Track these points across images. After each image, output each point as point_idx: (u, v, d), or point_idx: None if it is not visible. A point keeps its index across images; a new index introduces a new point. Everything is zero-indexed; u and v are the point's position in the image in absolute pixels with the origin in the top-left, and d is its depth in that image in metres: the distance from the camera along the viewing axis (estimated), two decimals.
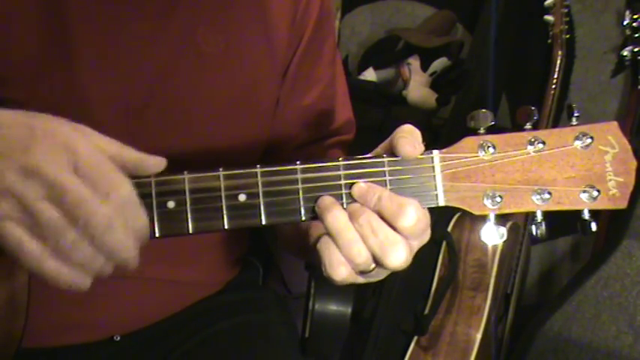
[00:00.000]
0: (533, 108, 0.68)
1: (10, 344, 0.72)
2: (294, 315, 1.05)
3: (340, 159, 0.66)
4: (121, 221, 0.58)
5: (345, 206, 0.65)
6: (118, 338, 0.90)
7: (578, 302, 1.53)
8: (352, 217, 0.63)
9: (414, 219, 0.62)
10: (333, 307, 0.98)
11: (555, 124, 1.80)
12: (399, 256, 0.62)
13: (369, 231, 0.62)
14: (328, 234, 0.64)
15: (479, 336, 1.47)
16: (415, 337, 1.50)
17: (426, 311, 1.49)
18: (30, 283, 0.71)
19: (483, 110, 0.67)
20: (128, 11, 0.78)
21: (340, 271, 0.63)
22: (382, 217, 0.63)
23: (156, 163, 0.63)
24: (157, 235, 0.65)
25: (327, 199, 0.65)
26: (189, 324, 0.93)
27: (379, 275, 0.67)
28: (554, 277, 2.02)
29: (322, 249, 0.64)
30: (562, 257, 2.01)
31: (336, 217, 0.63)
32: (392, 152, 0.66)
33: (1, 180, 0.56)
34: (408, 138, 0.65)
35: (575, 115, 0.68)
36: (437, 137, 1.75)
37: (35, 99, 0.75)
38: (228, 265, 1.01)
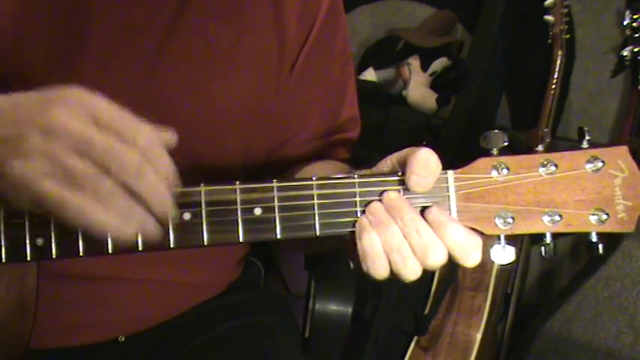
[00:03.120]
0: (545, 130, 0.69)
1: (18, 346, 0.73)
2: (294, 315, 1.05)
3: (356, 175, 0.67)
4: (150, 166, 0.58)
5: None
6: (123, 339, 0.90)
7: (578, 302, 1.53)
8: (394, 214, 0.64)
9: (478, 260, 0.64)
10: (333, 307, 0.98)
11: (555, 125, 1.80)
12: (440, 257, 0.63)
13: (413, 231, 0.63)
14: (371, 232, 0.64)
15: (479, 336, 1.47)
16: (415, 337, 1.50)
17: (426, 311, 1.49)
18: (38, 287, 0.71)
19: (495, 131, 0.68)
20: (142, 9, 0.79)
21: (383, 270, 0.64)
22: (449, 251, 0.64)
23: (167, 137, 0.62)
24: (171, 245, 0.65)
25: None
26: (193, 326, 0.93)
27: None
28: (554, 277, 2.02)
29: (365, 248, 0.64)
30: (562, 257, 2.01)
31: (393, 232, 0.63)
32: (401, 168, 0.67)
33: (26, 142, 0.56)
34: (419, 173, 0.64)
35: (587, 138, 0.68)
36: (437, 137, 1.75)
37: None
38: (230, 266, 1.01)
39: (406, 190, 0.66)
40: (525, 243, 1.73)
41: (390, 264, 0.64)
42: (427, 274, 1.50)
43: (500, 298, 1.58)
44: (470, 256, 0.63)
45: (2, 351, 0.72)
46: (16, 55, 0.76)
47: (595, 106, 1.94)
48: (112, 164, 0.56)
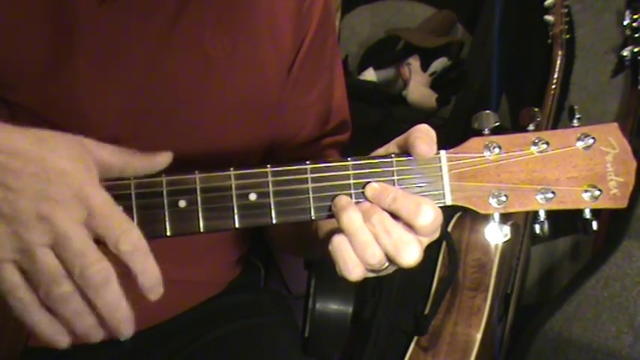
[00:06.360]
0: (536, 109, 0.69)
1: (17, 343, 0.73)
2: (294, 315, 1.05)
3: (349, 159, 0.67)
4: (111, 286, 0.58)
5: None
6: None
7: (578, 302, 1.53)
8: (365, 217, 0.64)
9: (432, 217, 0.63)
10: (333, 307, 0.98)
11: (555, 124, 1.80)
12: (412, 254, 0.63)
13: (382, 230, 0.63)
14: (340, 234, 0.64)
15: (479, 336, 1.47)
16: (415, 337, 1.50)
17: (426, 311, 1.49)
18: None
19: (487, 112, 0.69)
20: (136, 19, 0.78)
21: (356, 272, 0.64)
22: (397, 217, 0.64)
23: (163, 159, 0.63)
24: (168, 234, 0.65)
25: (343, 199, 0.65)
26: (193, 326, 0.93)
27: (388, 271, 0.68)
28: (554, 277, 2.02)
29: (335, 250, 0.64)
30: (562, 257, 2.01)
31: (351, 217, 0.63)
32: (402, 151, 0.68)
33: (16, 219, 0.56)
34: (425, 138, 0.66)
35: (577, 116, 0.69)
36: (437, 137, 1.75)
37: (42, 104, 0.76)
38: (230, 265, 1.02)
39: (398, 171, 0.66)
40: (525, 243, 1.73)
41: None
42: (427, 274, 1.50)
43: (500, 298, 1.58)
44: (420, 212, 0.63)
45: (2, 349, 0.72)
46: (8, 63, 0.75)
47: (595, 106, 1.94)
48: (77, 267, 0.56)
